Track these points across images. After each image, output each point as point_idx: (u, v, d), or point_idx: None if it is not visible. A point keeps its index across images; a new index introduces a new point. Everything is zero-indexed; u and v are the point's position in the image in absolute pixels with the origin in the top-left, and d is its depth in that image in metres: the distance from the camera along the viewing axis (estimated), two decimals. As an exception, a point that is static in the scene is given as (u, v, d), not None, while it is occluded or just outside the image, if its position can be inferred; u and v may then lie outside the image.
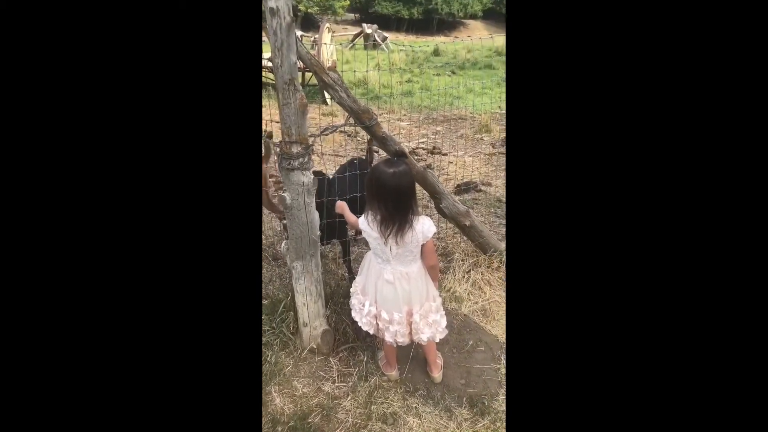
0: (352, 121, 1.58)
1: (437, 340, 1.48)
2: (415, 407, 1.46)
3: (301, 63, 1.39)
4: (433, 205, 1.96)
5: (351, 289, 1.55)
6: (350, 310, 1.76)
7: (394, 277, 1.37)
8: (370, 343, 1.72)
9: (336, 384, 1.54)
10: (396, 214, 1.28)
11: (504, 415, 1.42)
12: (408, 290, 1.38)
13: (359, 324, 1.50)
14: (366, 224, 1.36)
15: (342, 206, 1.52)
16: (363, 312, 1.46)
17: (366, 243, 2.41)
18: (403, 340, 1.43)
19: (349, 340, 1.69)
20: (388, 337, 1.43)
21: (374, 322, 1.45)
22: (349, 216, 1.51)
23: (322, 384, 1.53)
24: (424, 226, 1.32)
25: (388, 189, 1.26)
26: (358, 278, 1.52)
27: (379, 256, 1.39)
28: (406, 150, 1.69)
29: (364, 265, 1.49)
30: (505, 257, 2.08)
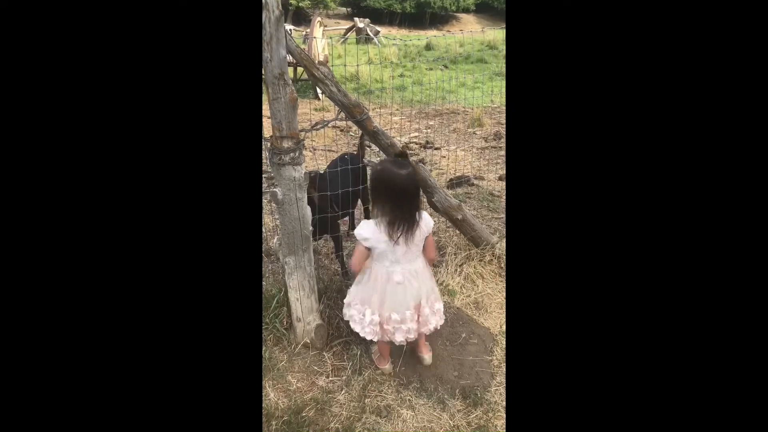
0: (343, 115, 1.57)
1: (438, 327, 1.52)
2: (409, 399, 1.47)
3: (292, 57, 1.38)
4: (425, 199, 1.97)
5: (345, 301, 1.53)
6: (343, 306, 1.77)
7: (404, 277, 1.39)
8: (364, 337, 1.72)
9: (330, 378, 1.54)
10: (408, 215, 1.31)
11: (496, 406, 1.44)
12: (417, 287, 1.42)
13: (361, 334, 1.49)
14: (374, 229, 1.34)
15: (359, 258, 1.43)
16: (365, 322, 1.46)
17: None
18: (413, 336, 1.47)
19: (343, 334, 1.70)
20: (399, 337, 1.44)
21: (377, 330, 1.46)
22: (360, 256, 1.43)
23: (316, 378, 1.54)
24: (425, 221, 1.37)
25: (402, 191, 1.29)
26: (353, 289, 1.51)
27: (387, 258, 1.38)
28: (398, 144, 1.69)
29: (363, 277, 1.46)
30: (496, 250, 2.10)
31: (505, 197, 2.95)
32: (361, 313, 1.47)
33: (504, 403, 1.46)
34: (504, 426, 1.38)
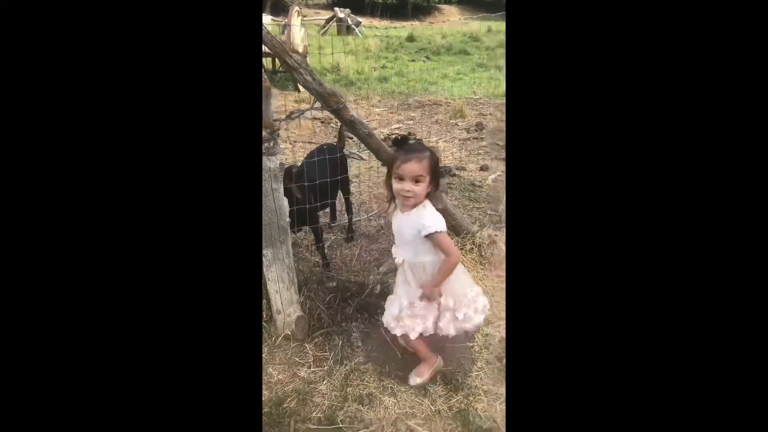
0: (318, 104, 1.55)
1: None
2: (391, 387, 1.48)
3: (266, 47, 1.35)
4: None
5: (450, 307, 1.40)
6: (324, 296, 1.76)
7: None
8: (346, 327, 1.73)
9: (312, 369, 1.54)
10: None
11: (477, 390, 1.47)
12: None
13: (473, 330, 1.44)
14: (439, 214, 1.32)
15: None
16: (475, 317, 1.41)
17: (342, 230, 2.41)
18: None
19: (324, 325, 1.70)
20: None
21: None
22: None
23: (298, 370, 1.54)
24: None
25: None
26: (463, 289, 1.41)
27: None
28: (377, 135, 1.68)
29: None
30: (477, 239, 2.12)
31: (499, 189, 2.98)
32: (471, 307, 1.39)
33: (484, 387, 1.48)
34: (484, 409, 1.40)
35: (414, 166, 1.21)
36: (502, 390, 1.46)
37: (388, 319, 1.43)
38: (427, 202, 1.29)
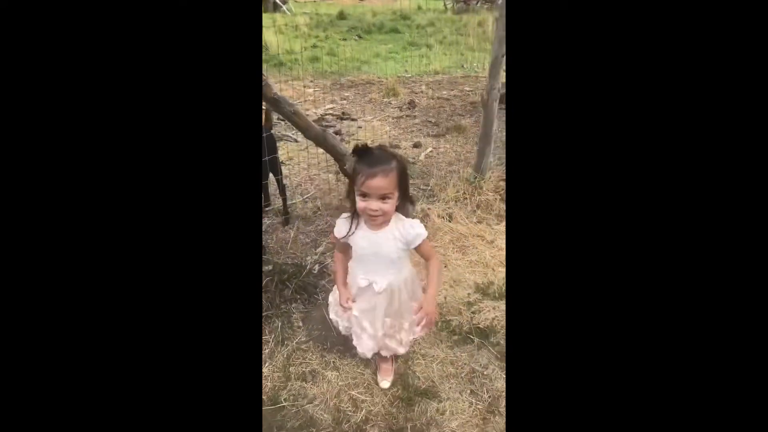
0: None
1: None
2: (333, 362, 1.52)
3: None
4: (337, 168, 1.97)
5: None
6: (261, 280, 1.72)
7: None
8: (285, 309, 1.72)
9: (252, 354, 1.53)
10: None
11: (415, 355, 1.55)
12: None
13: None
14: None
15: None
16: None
17: (277, 214, 2.35)
18: None
19: (263, 309, 1.68)
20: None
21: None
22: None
23: (237, 356, 1.52)
24: None
25: None
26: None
27: None
28: (304, 113, 1.64)
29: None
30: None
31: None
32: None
33: (422, 351, 1.57)
34: (422, 371, 1.49)
35: (380, 182, 1.03)
36: (438, 352, 1.56)
37: (392, 346, 1.34)
38: (398, 214, 1.16)
